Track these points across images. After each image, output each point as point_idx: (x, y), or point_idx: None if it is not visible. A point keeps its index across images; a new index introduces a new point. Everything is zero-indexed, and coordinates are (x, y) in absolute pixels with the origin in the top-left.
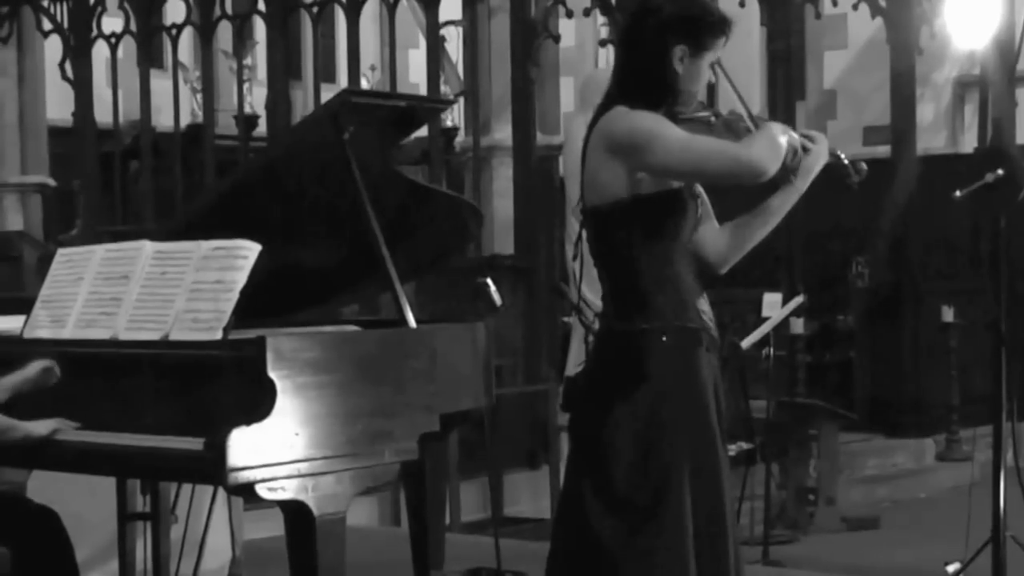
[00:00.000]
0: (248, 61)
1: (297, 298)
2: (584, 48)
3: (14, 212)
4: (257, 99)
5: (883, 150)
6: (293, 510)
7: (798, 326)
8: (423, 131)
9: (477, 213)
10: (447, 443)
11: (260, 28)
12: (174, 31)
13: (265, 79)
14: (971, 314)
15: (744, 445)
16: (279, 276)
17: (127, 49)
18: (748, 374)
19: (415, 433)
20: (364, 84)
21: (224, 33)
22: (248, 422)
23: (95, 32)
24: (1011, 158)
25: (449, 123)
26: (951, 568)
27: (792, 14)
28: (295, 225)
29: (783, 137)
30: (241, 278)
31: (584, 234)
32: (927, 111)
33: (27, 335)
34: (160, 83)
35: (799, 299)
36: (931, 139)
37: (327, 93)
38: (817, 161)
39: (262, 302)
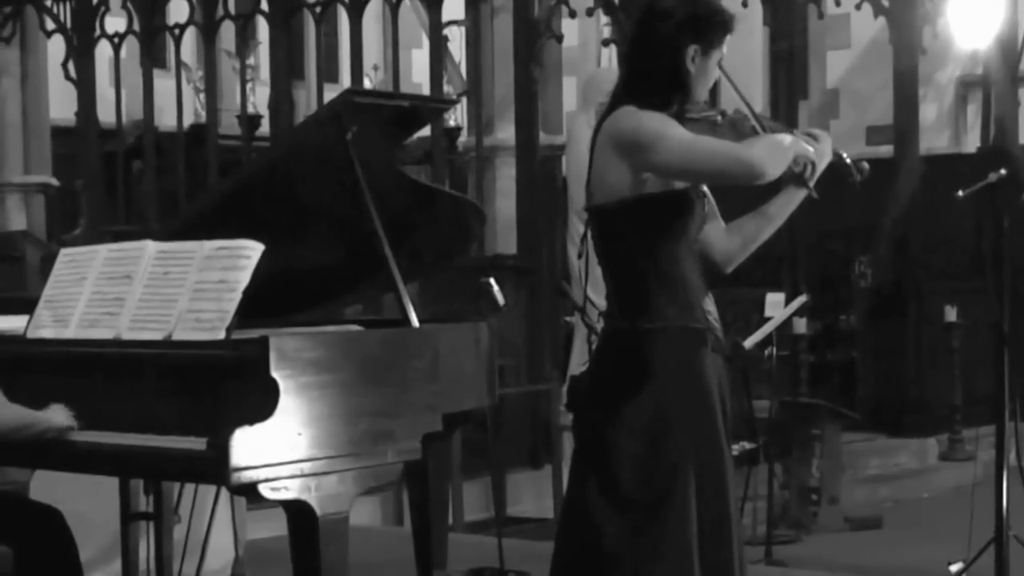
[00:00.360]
0: (251, 61)
1: (300, 298)
2: (587, 48)
3: (17, 212)
4: (260, 99)
5: (886, 150)
6: (296, 510)
7: (801, 326)
8: (426, 131)
9: (480, 213)
10: (450, 443)
11: (263, 28)
12: (177, 31)
13: (268, 79)
14: (974, 314)
15: (747, 445)
16: (282, 276)
17: (130, 49)
18: (751, 374)
19: (418, 433)
20: (367, 84)
21: (227, 33)
22: (251, 422)
23: (98, 32)
24: (1014, 158)
25: (452, 123)
26: (954, 568)
27: (795, 14)
28: (298, 225)
29: (794, 145)
30: (244, 278)
31: (589, 233)
32: (930, 111)
33: (30, 335)
34: (163, 83)
35: (802, 299)
36: (934, 139)
37: (330, 93)
38: (822, 159)
39: (265, 302)
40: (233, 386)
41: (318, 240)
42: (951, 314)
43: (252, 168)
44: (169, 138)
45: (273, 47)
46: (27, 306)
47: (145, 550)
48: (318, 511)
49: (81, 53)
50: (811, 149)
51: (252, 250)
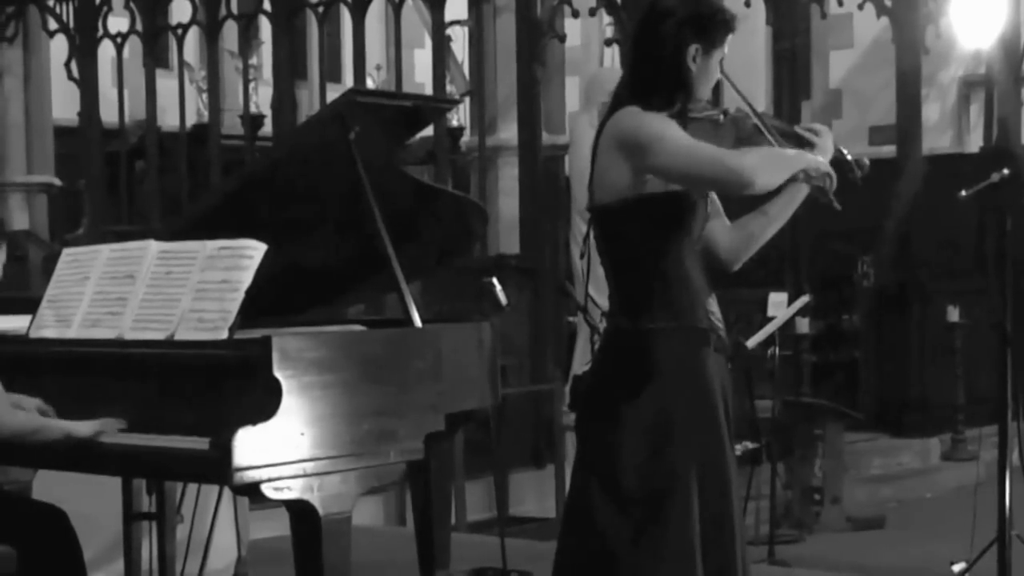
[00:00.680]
0: (254, 61)
1: (303, 298)
2: (590, 48)
3: (20, 212)
4: (263, 99)
5: (888, 150)
6: (299, 510)
7: (804, 326)
8: (429, 131)
9: (482, 212)
10: (453, 443)
11: (266, 28)
12: (180, 31)
13: (271, 79)
14: (976, 314)
15: (750, 445)
16: (285, 276)
17: (133, 49)
18: (754, 374)
19: (420, 433)
20: (370, 84)
21: (230, 33)
22: (254, 422)
23: (101, 32)
24: (1016, 157)
25: (455, 123)
26: (957, 568)
27: (798, 13)
28: (300, 225)
29: (799, 159)
30: (247, 278)
31: (592, 233)
32: (933, 111)
33: (33, 335)
34: (166, 83)
35: (805, 299)
36: (937, 139)
37: (332, 93)
38: (823, 155)
39: (268, 302)
40: (236, 386)
41: (320, 240)
42: (954, 314)
43: (254, 168)
44: (172, 138)
45: (276, 47)
46: (30, 306)
47: (148, 550)
48: (321, 511)
49: (84, 53)
50: (822, 160)
51: (255, 250)
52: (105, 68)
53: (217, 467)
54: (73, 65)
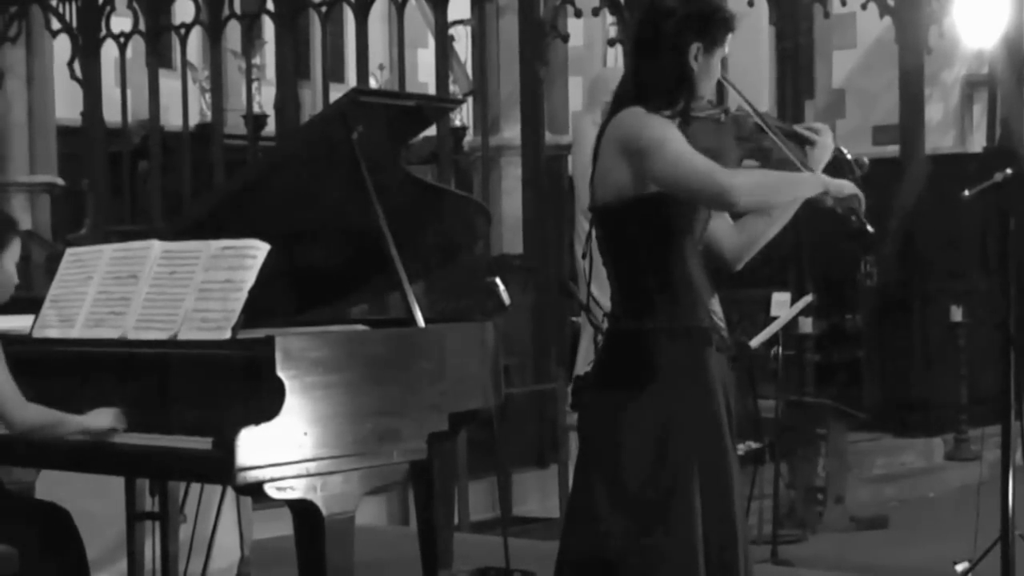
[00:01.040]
0: (257, 61)
1: (306, 298)
2: (593, 47)
3: (23, 212)
4: (266, 98)
5: (892, 149)
6: (302, 510)
7: (807, 325)
8: (432, 130)
9: (485, 212)
10: (456, 442)
11: (269, 28)
12: (183, 31)
13: (274, 78)
14: (980, 313)
15: (753, 444)
16: (288, 276)
17: (136, 49)
18: (757, 373)
19: (423, 432)
20: (373, 83)
21: (233, 33)
22: (257, 421)
23: (104, 32)
24: (1020, 157)
25: (458, 122)
26: (960, 567)
27: (801, 13)
28: (304, 225)
29: (812, 182)
30: (250, 277)
31: (594, 232)
32: (936, 110)
33: (36, 334)
34: (169, 83)
35: (808, 298)
36: (940, 138)
37: (336, 92)
38: (825, 153)
39: (271, 302)
40: (239, 386)
41: (323, 239)
42: (957, 314)
43: (257, 167)
44: (175, 138)
45: (279, 47)
46: (33, 306)
47: (151, 550)
48: (324, 511)
49: (87, 53)
50: (846, 183)
51: (258, 250)
52: (108, 68)
53: (220, 467)
54: (76, 65)
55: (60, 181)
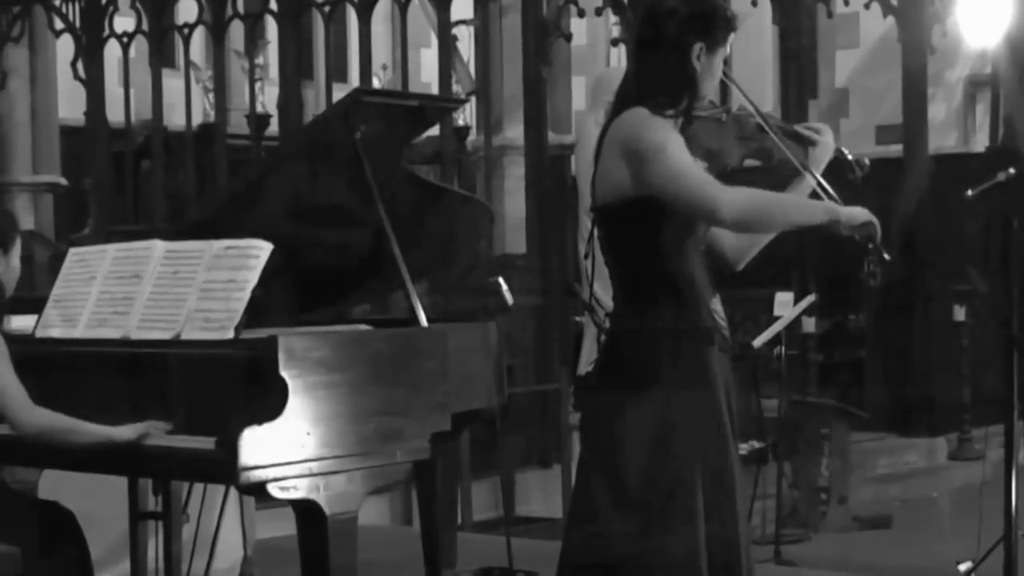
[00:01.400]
0: (260, 60)
1: (309, 297)
2: (596, 47)
3: (26, 211)
4: (269, 98)
5: (895, 149)
6: (305, 509)
7: (810, 325)
8: (435, 130)
9: (488, 212)
10: (459, 442)
11: (272, 27)
12: (186, 30)
13: (277, 78)
14: (982, 313)
15: (756, 444)
16: (291, 275)
17: (139, 48)
18: (760, 373)
19: (427, 432)
20: (376, 83)
21: (236, 32)
22: (260, 421)
23: (107, 31)
24: (1023, 157)
25: (461, 122)
26: (963, 567)
27: (804, 13)
28: (306, 224)
29: (823, 209)
30: (253, 277)
31: (596, 232)
32: (939, 110)
33: (39, 334)
34: (172, 82)
35: (811, 298)
36: (943, 138)
37: (339, 92)
38: (826, 153)
39: (274, 301)
40: (242, 385)
41: (327, 239)
42: (960, 313)
43: (260, 167)
44: (178, 138)
45: (282, 47)
46: (36, 305)
47: (154, 549)
48: (327, 510)
49: (90, 53)
50: (859, 210)
51: (261, 249)
52: (111, 68)
53: (223, 467)
54: (79, 65)
55: (63, 181)
